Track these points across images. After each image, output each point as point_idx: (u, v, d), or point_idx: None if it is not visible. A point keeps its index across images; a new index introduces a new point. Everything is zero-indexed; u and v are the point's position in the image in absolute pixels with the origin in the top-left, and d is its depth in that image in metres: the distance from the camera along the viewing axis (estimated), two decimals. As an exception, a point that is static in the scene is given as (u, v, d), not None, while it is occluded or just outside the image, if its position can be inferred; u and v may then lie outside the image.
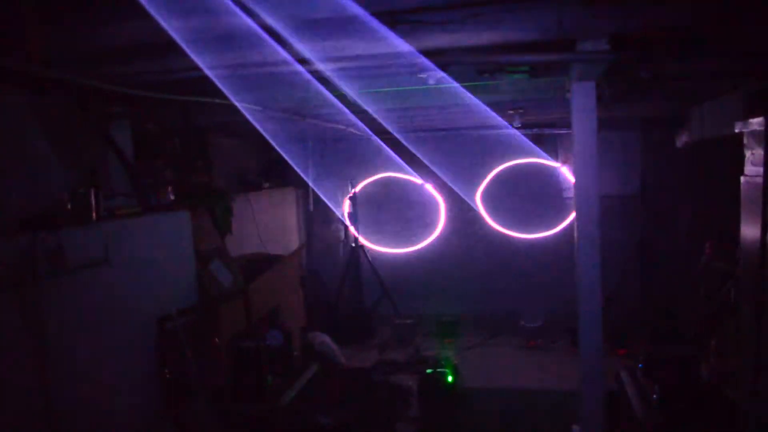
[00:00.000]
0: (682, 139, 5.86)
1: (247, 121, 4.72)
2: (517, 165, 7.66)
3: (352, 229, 7.94)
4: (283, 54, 2.78)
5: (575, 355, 3.71)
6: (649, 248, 7.29)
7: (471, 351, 7.07)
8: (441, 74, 3.22)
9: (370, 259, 7.88)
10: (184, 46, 2.59)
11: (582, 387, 3.71)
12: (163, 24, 2.43)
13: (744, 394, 3.52)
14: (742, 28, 2.83)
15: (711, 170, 5.41)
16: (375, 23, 2.41)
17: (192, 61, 3.11)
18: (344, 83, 3.45)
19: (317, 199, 8.32)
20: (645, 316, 6.78)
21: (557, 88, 3.96)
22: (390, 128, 5.63)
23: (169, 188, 4.51)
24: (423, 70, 3.17)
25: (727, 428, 3.60)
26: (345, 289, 7.87)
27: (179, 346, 3.97)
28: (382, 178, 8.08)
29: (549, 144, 7.67)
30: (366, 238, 8.05)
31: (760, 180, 3.28)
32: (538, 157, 7.39)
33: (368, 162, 7.93)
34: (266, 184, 7.14)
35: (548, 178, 7.59)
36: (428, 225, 8.04)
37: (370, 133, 6.30)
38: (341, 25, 2.41)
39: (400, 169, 7.72)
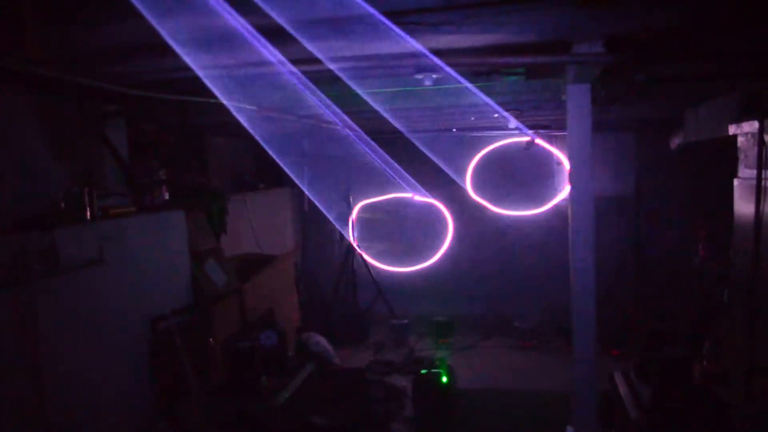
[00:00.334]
0: (676, 141, 5.88)
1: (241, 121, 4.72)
2: (498, 148, 7.54)
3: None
4: (279, 55, 2.79)
5: (569, 355, 3.72)
6: (643, 249, 7.31)
7: (465, 351, 7.08)
8: (437, 75, 3.23)
9: (365, 259, 7.88)
10: (176, 46, 2.58)
11: (576, 388, 3.72)
12: (155, 24, 2.44)
13: (737, 395, 3.54)
14: (736, 32, 2.84)
15: (705, 172, 5.43)
16: (372, 24, 2.41)
17: (186, 60, 3.12)
18: (340, 84, 3.44)
19: (312, 200, 8.32)
20: (638, 317, 6.80)
21: (552, 89, 3.97)
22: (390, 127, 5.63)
23: (164, 188, 4.51)
24: (420, 71, 3.17)
25: (720, 430, 3.61)
26: (340, 290, 7.87)
27: (174, 346, 3.96)
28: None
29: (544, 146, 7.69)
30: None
31: (753, 182, 3.30)
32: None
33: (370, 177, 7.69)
34: (261, 185, 7.13)
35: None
36: (434, 242, 7.73)
37: (361, 133, 6.28)
38: (338, 26, 2.42)
39: (401, 183, 7.46)
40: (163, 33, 2.60)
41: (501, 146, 7.45)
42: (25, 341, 2.93)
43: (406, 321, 7.50)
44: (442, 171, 6.98)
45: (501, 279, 7.75)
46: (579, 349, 3.65)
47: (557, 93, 3.97)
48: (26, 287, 2.92)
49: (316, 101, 4.03)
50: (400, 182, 7.11)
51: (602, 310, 3.71)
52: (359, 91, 3.85)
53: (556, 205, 7.40)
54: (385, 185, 7.45)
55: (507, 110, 5.38)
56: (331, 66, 3.01)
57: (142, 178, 4.35)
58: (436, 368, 5.41)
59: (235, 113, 4.12)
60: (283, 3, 2.13)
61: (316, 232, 8.53)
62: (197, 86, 3.68)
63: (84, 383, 3.33)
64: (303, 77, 3.33)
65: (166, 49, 2.87)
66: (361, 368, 6.18)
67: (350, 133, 6.13)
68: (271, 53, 2.72)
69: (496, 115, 5.52)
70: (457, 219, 7.82)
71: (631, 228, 7.43)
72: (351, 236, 7.84)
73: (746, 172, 3.53)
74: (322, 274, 8.29)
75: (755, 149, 3.33)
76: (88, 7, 2.33)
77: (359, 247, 7.43)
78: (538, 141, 6.39)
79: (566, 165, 7.20)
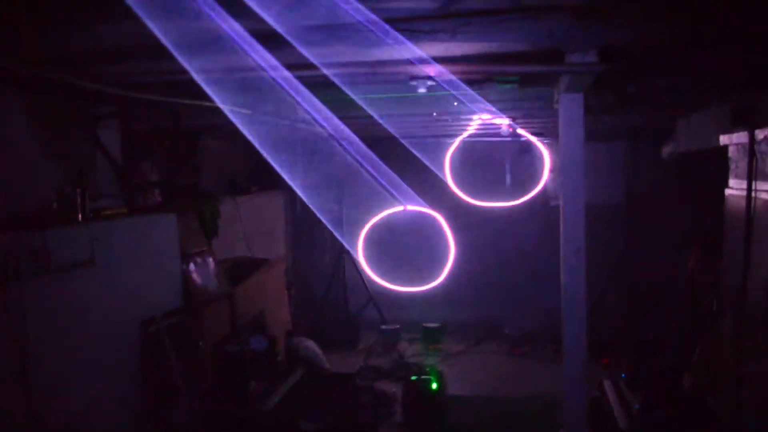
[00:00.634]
0: (667, 151, 5.91)
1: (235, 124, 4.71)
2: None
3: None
4: (273, 60, 2.79)
5: (559, 363, 3.73)
6: (633, 258, 7.34)
7: (456, 358, 7.09)
8: (431, 82, 3.24)
9: (356, 265, 7.87)
10: (170, 49, 2.58)
11: (565, 395, 3.73)
12: (151, 27, 2.44)
13: (726, 405, 3.55)
14: (727, 45, 2.86)
15: (696, 182, 5.45)
16: (367, 31, 2.42)
17: (180, 63, 3.12)
18: (335, 89, 3.45)
19: (304, 204, 8.30)
20: (628, 325, 6.82)
21: (545, 98, 3.99)
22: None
23: (157, 190, 4.50)
24: (414, 78, 3.18)
25: (709, 439, 3.63)
26: (330, 294, 7.86)
27: (163, 348, 3.95)
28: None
29: (537, 153, 7.70)
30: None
31: (743, 193, 3.32)
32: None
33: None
34: (254, 188, 7.12)
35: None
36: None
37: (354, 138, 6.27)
38: (333, 32, 2.42)
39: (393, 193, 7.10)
40: (158, 36, 2.61)
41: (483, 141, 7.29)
42: (14, 341, 2.92)
43: (396, 326, 7.49)
44: (433, 178, 7.00)
45: (491, 286, 7.76)
46: (569, 357, 3.66)
47: (550, 101, 3.99)
48: (16, 287, 2.91)
49: (306, 107, 4.03)
50: (393, 192, 6.99)
51: (592, 318, 3.72)
52: (353, 97, 3.87)
53: (548, 212, 7.40)
54: (376, 193, 7.34)
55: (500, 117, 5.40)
56: (326, 71, 3.02)
57: (134, 180, 4.35)
58: (426, 374, 5.42)
59: (231, 117, 4.12)
60: (280, 9, 2.14)
61: (308, 236, 8.51)
62: (191, 89, 3.68)
63: (73, 384, 3.32)
64: (297, 82, 3.33)
65: (160, 52, 2.87)
66: (351, 374, 6.18)
67: (342, 141, 6.13)
68: (265, 58, 2.72)
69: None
70: (449, 226, 7.80)
71: (622, 236, 7.46)
72: (343, 241, 7.79)
73: (737, 183, 3.55)
74: (313, 278, 8.28)
75: (746, 160, 3.35)
76: (83, 8, 2.33)
77: (368, 266, 7.16)
78: (520, 131, 6.30)
79: (546, 156, 7.25)
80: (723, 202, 3.72)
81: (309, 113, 4.30)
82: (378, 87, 3.86)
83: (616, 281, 7.29)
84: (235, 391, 4.36)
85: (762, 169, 3.20)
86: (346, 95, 3.66)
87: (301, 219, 8.40)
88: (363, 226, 6.88)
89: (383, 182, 6.85)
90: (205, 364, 4.42)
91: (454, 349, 7.33)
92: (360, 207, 7.01)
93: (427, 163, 6.87)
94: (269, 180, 7.69)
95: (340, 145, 6.24)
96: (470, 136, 6.88)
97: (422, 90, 3.43)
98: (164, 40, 2.64)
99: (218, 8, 2.20)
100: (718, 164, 3.83)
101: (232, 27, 2.34)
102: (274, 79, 3.13)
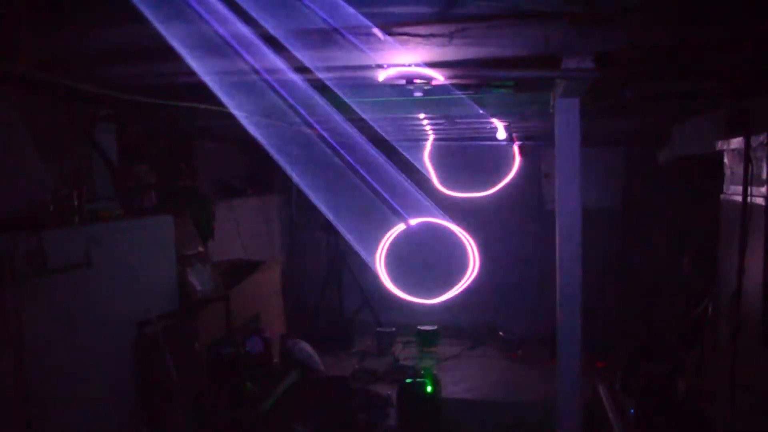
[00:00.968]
0: (663, 156, 5.93)
1: (231, 126, 4.71)
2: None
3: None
4: (270, 63, 2.80)
5: (554, 367, 3.74)
6: (629, 263, 7.36)
7: (451, 361, 7.09)
8: (427, 87, 3.25)
9: (351, 267, 7.87)
10: (168, 52, 2.58)
11: (560, 399, 3.73)
12: (150, 30, 2.44)
13: (720, 411, 3.56)
14: (723, 51, 2.88)
15: (691, 187, 5.47)
16: (364, 35, 2.43)
17: (178, 66, 3.12)
18: (332, 92, 3.46)
19: (300, 207, 8.30)
20: (623, 329, 6.83)
21: (540, 102, 4.00)
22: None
23: (153, 192, 4.50)
24: (410, 82, 3.19)
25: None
26: (326, 297, 7.86)
27: (159, 350, 3.95)
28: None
29: (531, 158, 7.73)
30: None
31: (739, 198, 3.34)
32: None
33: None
34: (250, 190, 7.12)
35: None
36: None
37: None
38: (329, 36, 2.43)
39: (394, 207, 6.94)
40: (156, 38, 2.61)
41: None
42: (9, 342, 2.91)
43: (392, 329, 7.49)
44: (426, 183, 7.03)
45: (487, 289, 7.76)
46: (564, 361, 3.67)
47: (545, 106, 4.00)
48: (12, 288, 2.91)
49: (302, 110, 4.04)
50: (395, 205, 6.88)
51: (588, 322, 3.73)
52: (348, 101, 3.88)
53: (543, 217, 7.41)
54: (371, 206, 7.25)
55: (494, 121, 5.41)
56: (321, 75, 3.02)
57: (130, 182, 4.34)
58: (421, 377, 5.42)
59: (242, 120, 4.13)
60: (277, 13, 2.14)
61: (303, 239, 8.51)
62: (186, 91, 3.69)
63: (68, 386, 3.32)
64: (292, 85, 3.34)
65: (157, 54, 2.88)
66: (345, 376, 6.17)
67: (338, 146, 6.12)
68: (261, 61, 2.73)
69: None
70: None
71: (618, 241, 7.48)
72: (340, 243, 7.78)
73: (732, 189, 3.56)
74: (308, 281, 8.27)
75: (741, 165, 3.36)
76: (80, 10, 2.33)
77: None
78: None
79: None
80: (718, 207, 3.73)
81: (303, 116, 4.30)
82: (374, 90, 3.87)
83: (611, 285, 7.30)
84: (230, 393, 4.36)
85: (757, 175, 3.22)
86: (341, 99, 3.68)
87: (296, 222, 8.40)
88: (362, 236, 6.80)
89: (385, 194, 6.76)
90: (201, 366, 4.41)
91: (449, 353, 7.34)
92: (358, 219, 6.93)
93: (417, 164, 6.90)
94: (265, 182, 7.70)
95: (337, 150, 6.21)
96: (462, 139, 6.90)
97: (418, 94, 3.44)
98: (162, 43, 2.65)
99: (217, 11, 2.20)
100: (713, 170, 3.85)
101: (231, 30, 2.34)
102: (267, 82, 3.14)
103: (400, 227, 6.75)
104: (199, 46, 2.62)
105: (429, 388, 5.32)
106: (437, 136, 6.76)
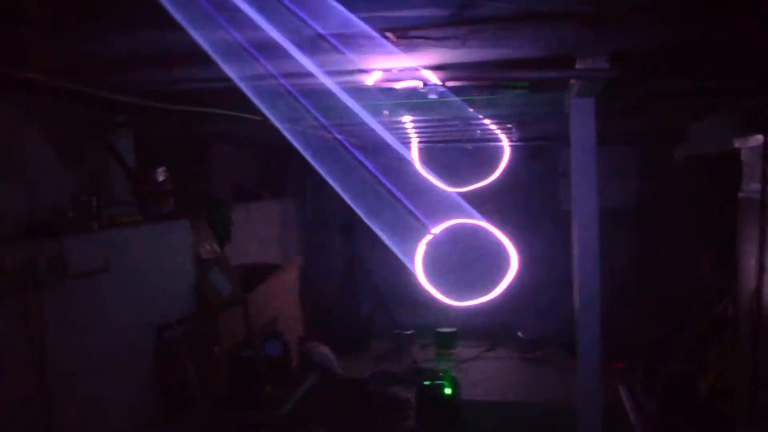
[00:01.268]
0: (679, 154, 5.89)
1: (246, 130, 4.75)
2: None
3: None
4: (285, 67, 2.82)
5: (573, 367, 3.73)
6: (646, 262, 7.31)
7: (469, 363, 7.08)
8: (442, 89, 3.25)
9: (367, 270, 7.89)
10: (215, 56, 2.60)
11: (580, 400, 3.72)
12: (165, 36, 2.47)
13: (740, 411, 3.53)
14: (739, 48, 2.86)
15: (709, 185, 5.43)
16: (377, 39, 2.44)
17: (194, 71, 3.15)
18: (347, 96, 3.48)
19: (316, 210, 8.35)
20: (643, 329, 6.78)
21: (554, 103, 3.99)
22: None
23: (170, 197, 4.53)
24: (425, 85, 3.20)
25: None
26: (343, 299, 7.88)
27: (178, 354, 3.98)
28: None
29: (547, 158, 7.71)
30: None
31: (758, 196, 3.31)
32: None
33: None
34: (266, 194, 7.16)
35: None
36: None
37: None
38: (344, 41, 2.44)
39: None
40: (172, 44, 2.64)
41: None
42: (32, 348, 2.95)
43: (409, 331, 7.49)
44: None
45: (505, 290, 7.73)
46: (583, 362, 3.65)
47: (560, 106, 3.99)
48: (34, 295, 2.94)
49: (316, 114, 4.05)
50: (416, 213, 6.84)
51: (606, 323, 3.71)
52: (361, 104, 3.89)
53: (559, 217, 7.37)
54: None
55: (509, 123, 5.41)
56: (333, 80, 3.04)
57: (148, 187, 4.38)
58: (439, 379, 5.41)
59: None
60: (291, 18, 2.16)
61: (319, 241, 8.55)
62: (202, 96, 3.72)
63: (89, 390, 3.35)
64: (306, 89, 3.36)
65: (172, 60, 2.91)
66: (364, 379, 6.18)
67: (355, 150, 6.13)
68: (276, 66, 2.75)
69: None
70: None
71: (634, 240, 7.44)
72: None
73: (751, 186, 3.54)
74: (325, 283, 8.30)
75: (759, 163, 3.34)
76: (95, 17, 2.36)
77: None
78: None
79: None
80: (736, 205, 3.70)
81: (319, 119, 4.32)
82: (387, 94, 3.88)
83: (629, 285, 7.26)
84: (249, 396, 4.38)
85: (775, 173, 3.19)
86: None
87: (312, 224, 8.43)
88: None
89: (407, 202, 6.73)
90: (220, 370, 4.44)
91: (467, 354, 7.33)
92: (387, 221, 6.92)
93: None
94: (280, 185, 7.74)
95: (353, 154, 6.22)
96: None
97: (433, 96, 3.45)
98: (178, 50, 2.68)
99: (233, 18, 2.22)
100: (731, 167, 3.82)
101: (245, 36, 2.36)
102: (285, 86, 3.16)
103: (427, 237, 6.71)
104: (219, 52, 2.65)
105: (448, 390, 5.32)
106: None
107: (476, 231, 6.69)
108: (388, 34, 2.39)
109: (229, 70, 2.94)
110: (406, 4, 2.16)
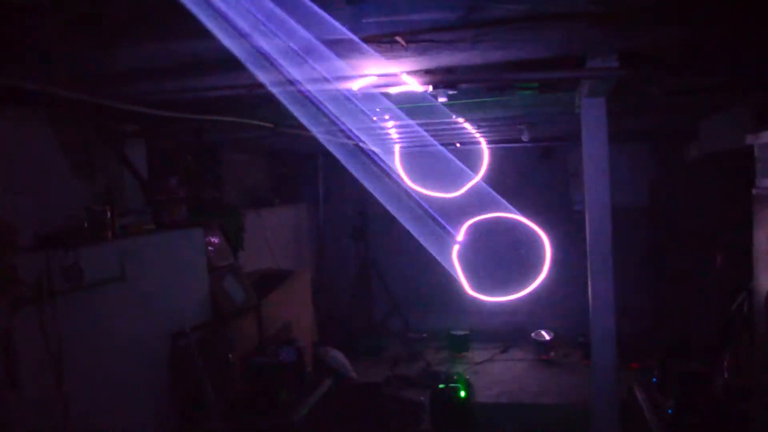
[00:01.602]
0: (691, 152, 5.86)
1: (257, 137, 4.76)
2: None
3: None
4: (297, 74, 2.83)
5: (587, 368, 3.72)
6: (660, 261, 7.27)
7: (483, 365, 7.07)
8: (452, 91, 3.26)
9: (380, 274, 7.89)
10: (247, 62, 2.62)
11: (595, 401, 3.71)
12: (175, 47, 2.49)
13: (758, 409, 3.50)
14: (748, 45, 2.85)
15: (721, 182, 5.40)
16: (388, 43, 2.45)
17: (205, 81, 3.18)
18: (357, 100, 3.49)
19: (328, 215, 8.36)
20: (657, 329, 6.75)
21: (565, 103, 3.99)
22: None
23: (183, 205, 4.56)
24: (435, 87, 3.20)
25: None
26: (355, 304, 7.88)
27: (193, 361, 4.00)
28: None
29: (558, 158, 7.69)
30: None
31: (771, 193, 3.29)
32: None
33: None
34: (277, 200, 7.18)
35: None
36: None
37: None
38: (355, 46, 2.45)
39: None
40: (183, 55, 2.66)
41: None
42: (49, 356, 2.97)
43: (422, 335, 7.49)
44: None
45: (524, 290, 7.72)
46: (598, 362, 3.64)
47: (570, 106, 3.99)
48: (50, 304, 2.97)
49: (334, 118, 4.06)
50: (440, 220, 6.77)
51: (620, 323, 3.70)
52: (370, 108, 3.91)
53: (571, 217, 7.34)
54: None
55: (520, 123, 5.40)
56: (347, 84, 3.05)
57: (161, 196, 4.41)
58: (453, 382, 5.40)
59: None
60: (302, 24, 2.17)
61: (332, 247, 8.56)
62: (213, 105, 3.75)
63: (106, 397, 3.37)
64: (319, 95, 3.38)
65: (184, 70, 2.93)
66: (378, 383, 6.18)
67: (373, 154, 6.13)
68: (289, 72, 2.76)
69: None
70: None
71: (647, 239, 7.40)
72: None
73: (764, 182, 3.51)
74: (338, 288, 8.31)
75: (772, 159, 3.32)
76: (105, 30, 2.38)
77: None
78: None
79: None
80: (750, 201, 3.68)
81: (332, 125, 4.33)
82: (397, 97, 3.89)
83: (643, 284, 7.22)
84: (264, 402, 4.38)
85: (790, 168, 3.17)
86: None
87: (324, 229, 8.45)
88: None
89: (431, 211, 6.69)
90: (235, 376, 4.45)
91: (481, 357, 7.31)
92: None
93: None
94: (292, 192, 7.76)
95: (370, 158, 6.20)
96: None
97: (442, 99, 3.45)
98: (189, 60, 2.70)
99: (240, 27, 2.24)
100: (743, 164, 3.80)
101: (257, 44, 2.38)
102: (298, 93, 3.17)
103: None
104: (223, 61, 2.66)
105: (462, 393, 5.31)
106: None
107: (510, 225, 6.66)
108: (398, 38, 2.40)
109: (261, 77, 2.95)
110: (415, 8, 2.17)
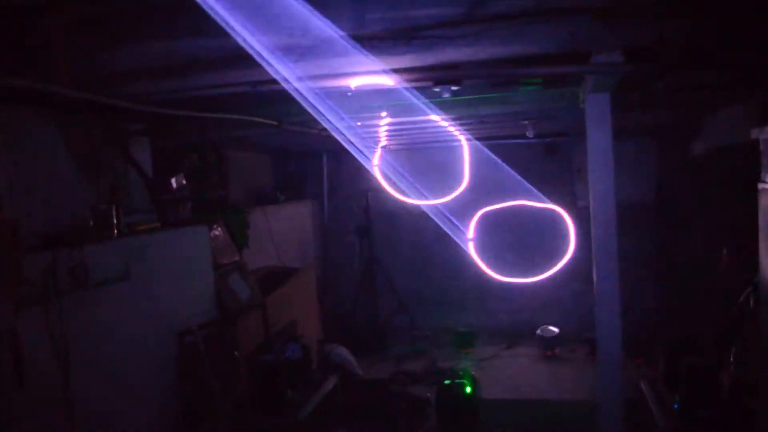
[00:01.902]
0: (697, 147, 5.85)
1: (262, 135, 4.76)
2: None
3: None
4: (300, 71, 2.83)
5: (593, 364, 3.71)
6: (666, 256, 7.25)
7: (488, 362, 7.06)
8: (455, 87, 3.25)
9: (385, 271, 7.90)
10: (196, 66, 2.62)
11: (601, 397, 3.70)
12: (178, 46, 2.49)
13: (764, 405, 3.49)
14: (753, 40, 2.84)
15: (727, 177, 5.38)
16: (391, 39, 2.44)
17: (208, 79, 3.18)
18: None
19: (333, 212, 8.37)
20: (663, 325, 6.74)
21: (569, 98, 3.98)
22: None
23: (188, 203, 4.57)
24: (438, 83, 3.19)
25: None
26: (361, 301, 7.88)
27: (199, 359, 4.00)
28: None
29: (562, 153, 7.67)
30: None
31: (777, 187, 3.27)
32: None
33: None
34: (282, 198, 7.18)
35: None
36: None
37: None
38: (358, 42, 2.45)
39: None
40: (187, 52, 2.66)
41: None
42: (56, 355, 2.98)
43: (427, 331, 7.49)
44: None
45: (522, 288, 7.71)
46: (604, 358, 3.64)
47: (574, 101, 3.98)
48: (56, 303, 2.98)
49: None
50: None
51: (626, 319, 3.69)
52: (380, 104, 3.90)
53: (576, 214, 7.31)
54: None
55: (524, 119, 5.39)
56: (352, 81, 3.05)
57: (166, 195, 4.42)
58: (459, 378, 5.40)
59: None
60: (305, 21, 2.17)
61: (336, 244, 8.56)
62: (217, 103, 3.74)
63: (112, 396, 3.38)
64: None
65: (186, 69, 2.93)
66: (384, 379, 6.18)
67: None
68: (292, 69, 2.76)
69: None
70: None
71: (653, 235, 7.38)
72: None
73: (770, 177, 3.50)
74: (343, 285, 8.31)
75: (778, 154, 3.30)
76: (109, 29, 2.38)
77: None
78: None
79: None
80: (756, 196, 3.66)
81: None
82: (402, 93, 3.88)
83: (649, 280, 7.20)
84: (270, 399, 4.39)
85: (796, 162, 3.16)
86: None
87: (329, 227, 8.45)
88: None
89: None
90: (241, 374, 4.46)
91: (486, 353, 7.31)
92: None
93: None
94: (296, 189, 7.76)
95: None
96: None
97: (446, 95, 3.44)
98: (190, 58, 2.70)
99: (240, 25, 2.23)
100: (749, 159, 3.78)
101: (260, 42, 2.37)
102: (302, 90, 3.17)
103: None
104: (229, 59, 2.66)
105: (468, 389, 5.31)
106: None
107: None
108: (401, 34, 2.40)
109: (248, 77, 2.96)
110: (418, 4, 2.16)
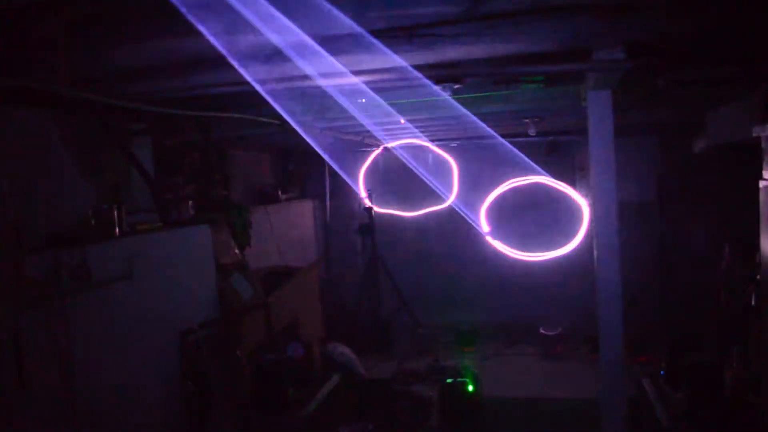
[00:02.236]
0: (699, 144, 5.84)
1: (264, 134, 4.75)
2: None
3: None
4: (303, 69, 2.83)
5: (595, 362, 3.71)
6: (668, 254, 7.24)
7: (491, 360, 7.07)
8: (457, 86, 3.25)
9: (388, 269, 7.89)
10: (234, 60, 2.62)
11: (603, 395, 3.70)
12: (181, 44, 2.49)
13: (767, 401, 3.49)
14: (756, 36, 2.83)
15: (729, 175, 5.38)
16: (392, 38, 2.44)
17: (210, 77, 3.17)
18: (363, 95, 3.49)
19: (335, 211, 8.36)
20: (665, 323, 6.73)
21: (571, 96, 3.97)
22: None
23: (190, 203, 4.57)
24: (439, 82, 3.19)
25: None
26: (363, 300, 7.88)
27: (201, 358, 4.01)
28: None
29: (565, 151, 7.67)
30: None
31: (779, 184, 3.27)
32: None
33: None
34: (284, 196, 7.18)
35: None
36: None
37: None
38: (359, 40, 2.45)
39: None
40: (187, 51, 2.66)
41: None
42: (58, 355, 2.99)
43: (430, 330, 7.49)
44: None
45: (524, 287, 7.71)
46: (606, 356, 3.63)
47: (576, 99, 3.97)
48: (59, 303, 2.98)
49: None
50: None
51: (628, 316, 3.68)
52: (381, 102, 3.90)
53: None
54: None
55: (526, 117, 5.39)
56: (355, 79, 3.05)
57: (167, 194, 4.42)
58: (461, 377, 5.41)
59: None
60: (305, 19, 2.17)
61: (339, 242, 8.56)
62: (219, 101, 3.75)
63: (114, 395, 3.39)
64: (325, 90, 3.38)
65: (190, 67, 2.94)
66: (387, 378, 6.19)
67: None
68: (295, 68, 2.76)
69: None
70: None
71: (655, 233, 7.37)
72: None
73: (772, 174, 3.49)
74: (345, 284, 8.31)
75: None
76: (110, 27, 2.39)
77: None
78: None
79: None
80: (758, 194, 3.66)
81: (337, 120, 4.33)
82: (403, 92, 3.89)
83: (651, 278, 7.20)
84: (273, 398, 4.40)
85: (797, 160, 3.15)
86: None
87: (331, 225, 8.45)
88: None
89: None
90: (243, 373, 4.47)
91: (489, 351, 7.31)
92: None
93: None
94: (298, 188, 7.76)
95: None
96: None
97: (447, 94, 3.45)
98: (193, 57, 2.70)
99: (247, 21, 2.23)
100: (751, 156, 3.78)
101: (263, 39, 2.37)
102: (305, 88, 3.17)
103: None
104: (234, 56, 2.66)
105: (470, 387, 5.32)
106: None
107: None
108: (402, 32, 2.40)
109: (250, 75, 2.95)
110: (419, 2, 2.16)
